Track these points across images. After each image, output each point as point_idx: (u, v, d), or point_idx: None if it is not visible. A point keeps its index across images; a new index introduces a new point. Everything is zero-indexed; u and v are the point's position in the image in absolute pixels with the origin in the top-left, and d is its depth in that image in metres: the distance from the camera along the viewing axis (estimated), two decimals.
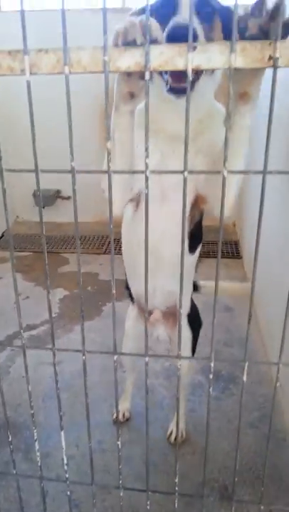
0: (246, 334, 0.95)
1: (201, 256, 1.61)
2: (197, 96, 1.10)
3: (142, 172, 0.77)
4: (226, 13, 1.10)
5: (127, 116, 1.09)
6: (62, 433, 1.11)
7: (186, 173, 0.79)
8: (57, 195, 4.27)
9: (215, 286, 0.89)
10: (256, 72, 0.93)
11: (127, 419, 2.04)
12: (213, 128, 1.24)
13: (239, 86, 0.98)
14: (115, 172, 0.84)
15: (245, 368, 0.96)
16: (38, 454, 1.15)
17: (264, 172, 0.82)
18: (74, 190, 0.87)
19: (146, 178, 0.79)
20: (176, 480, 1.13)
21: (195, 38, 0.95)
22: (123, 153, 1.16)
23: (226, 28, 1.10)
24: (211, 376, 0.99)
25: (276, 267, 2.36)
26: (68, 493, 1.19)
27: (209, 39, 1.06)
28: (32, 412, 1.10)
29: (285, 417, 1.99)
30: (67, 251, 3.86)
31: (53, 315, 2.91)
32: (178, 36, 0.88)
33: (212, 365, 0.96)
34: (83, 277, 3.40)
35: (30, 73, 0.76)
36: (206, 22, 1.06)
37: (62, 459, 1.16)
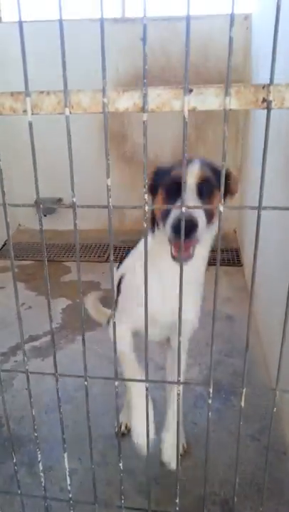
0: (244, 362, 0.97)
1: None
2: (194, 260, 1.24)
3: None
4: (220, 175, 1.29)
5: None
6: (65, 455, 1.13)
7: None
8: (58, 203, 4.30)
9: (214, 303, 0.92)
10: None
11: (129, 430, 2.06)
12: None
13: None
14: (115, 207, 0.87)
15: (243, 394, 0.98)
16: (42, 474, 1.18)
17: (259, 207, 0.85)
18: (75, 225, 0.90)
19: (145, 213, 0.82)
20: (177, 500, 1.16)
21: (195, 228, 1.11)
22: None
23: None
24: (209, 401, 1.01)
25: (276, 277, 2.38)
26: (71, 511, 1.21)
27: (208, 211, 1.21)
28: (36, 434, 1.13)
29: (286, 430, 2.01)
30: (69, 259, 3.89)
31: (56, 325, 2.93)
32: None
33: (211, 390, 0.98)
34: (85, 286, 3.42)
35: (32, 113, 0.79)
36: (208, 197, 1.24)
37: (66, 474, 1.19)
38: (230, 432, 2.04)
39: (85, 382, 1.04)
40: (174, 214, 1.15)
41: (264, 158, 0.78)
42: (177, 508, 1.16)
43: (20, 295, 3.57)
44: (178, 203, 1.17)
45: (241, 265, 3.76)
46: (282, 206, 0.87)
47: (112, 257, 0.95)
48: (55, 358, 1.07)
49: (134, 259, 1.54)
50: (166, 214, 1.22)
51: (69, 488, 1.18)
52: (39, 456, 1.15)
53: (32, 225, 4.50)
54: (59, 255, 3.96)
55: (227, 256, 3.91)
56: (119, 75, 4.01)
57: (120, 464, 1.14)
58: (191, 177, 1.23)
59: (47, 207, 4.22)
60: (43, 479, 1.18)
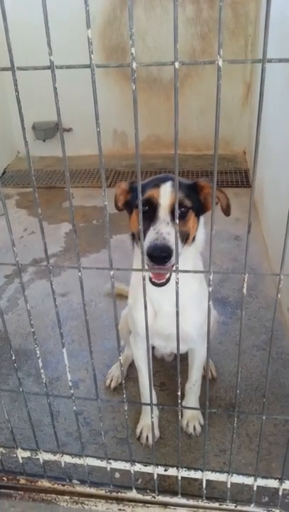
0: (246, 244, 0.90)
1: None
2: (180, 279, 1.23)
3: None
4: (194, 187, 1.28)
5: None
6: (64, 350, 1.11)
7: None
8: (57, 127, 4.12)
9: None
10: None
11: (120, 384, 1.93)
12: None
13: None
14: (98, 66, 0.76)
15: (245, 279, 0.92)
16: (42, 371, 1.16)
17: (263, 60, 0.73)
18: (55, 89, 0.80)
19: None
20: (179, 393, 1.15)
21: (170, 254, 1.10)
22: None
23: (196, 201, 1.26)
24: (210, 289, 0.96)
25: (285, 190, 2.27)
26: (74, 407, 1.22)
27: (183, 232, 1.23)
28: (33, 330, 1.10)
29: None
30: (70, 185, 3.78)
31: (60, 248, 2.90)
32: (158, 258, 1.10)
33: (211, 277, 0.93)
34: (88, 211, 3.34)
35: None
36: (182, 219, 1.22)
37: (70, 380, 1.18)
38: (236, 343, 2.03)
39: (79, 273, 0.99)
40: (149, 239, 1.13)
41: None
42: (179, 401, 1.15)
43: (24, 221, 3.49)
44: (152, 227, 1.17)
45: (250, 186, 3.62)
46: (286, 58, 0.75)
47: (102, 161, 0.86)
48: (46, 249, 1.02)
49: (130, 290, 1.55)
50: (143, 235, 1.17)
51: (70, 384, 1.17)
52: (37, 352, 1.13)
53: (31, 152, 4.32)
54: (60, 181, 3.86)
55: (236, 177, 3.76)
56: None
57: (120, 358, 1.12)
58: (164, 199, 1.19)
59: (46, 130, 4.05)
60: (43, 376, 1.17)
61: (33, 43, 3.01)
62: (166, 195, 1.19)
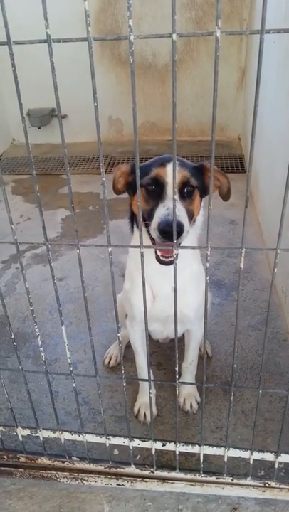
0: (243, 220, 0.91)
1: None
2: (181, 260, 1.22)
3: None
4: (200, 169, 1.28)
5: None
6: (63, 327, 1.13)
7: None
8: (52, 113, 4.09)
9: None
10: None
11: (119, 363, 1.97)
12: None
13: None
14: (96, 39, 0.76)
15: (243, 253, 0.94)
16: (41, 349, 1.18)
17: (261, 31, 0.74)
18: (52, 63, 0.80)
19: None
20: (176, 368, 1.17)
21: (182, 230, 1.10)
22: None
23: (201, 183, 1.26)
24: (207, 264, 0.97)
25: (280, 175, 2.28)
26: (74, 385, 1.23)
27: (190, 211, 1.22)
28: (31, 308, 1.11)
29: (287, 321, 2.03)
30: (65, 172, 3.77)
31: (56, 234, 2.90)
32: (168, 234, 1.08)
33: (208, 252, 0.94)
34: (84, 197, 3.34)
35: None
36: (188, 198, 1.23)
37: (69, 357, 1.20)
38: (231, 324, 2.06)
39: (77, 251, 1.00)
40: (159, 216, 1.12)
41: None
42: (176, 376, 1.18)
43: (20, 208, 3.50)
44: (162, 205, 1.15)
45: (245, 171, 3.63)
46: (284, 28, 0.76)
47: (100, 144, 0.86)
48: (44, 226, 1.02)
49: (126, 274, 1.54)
50: (149, 214, 1.19)
51: (69, 360, 1.18)
52: (37, 330, 1.15)
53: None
54: (56, 168, 3.84)
55: (231, 163, 3.76)
56: None
57: (119, 334, 1.13)
58: (172, 177, 1.18)
59: (41, 117, 4.02)
60: (43, 353, 1.19)
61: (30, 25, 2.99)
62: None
